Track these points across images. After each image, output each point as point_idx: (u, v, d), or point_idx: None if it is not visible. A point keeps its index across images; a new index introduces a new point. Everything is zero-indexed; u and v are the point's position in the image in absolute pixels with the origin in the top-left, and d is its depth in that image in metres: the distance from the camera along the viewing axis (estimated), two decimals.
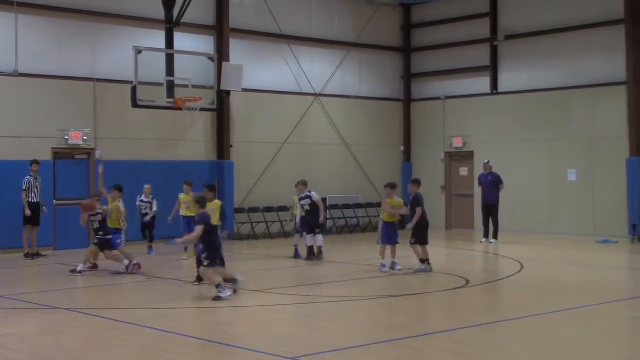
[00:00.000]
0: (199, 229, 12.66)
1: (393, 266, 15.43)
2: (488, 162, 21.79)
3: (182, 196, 18.35)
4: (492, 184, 21.45)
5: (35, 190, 18.20)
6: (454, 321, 11.04)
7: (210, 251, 12.70)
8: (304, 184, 17.75)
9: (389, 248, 15.53)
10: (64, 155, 20.14)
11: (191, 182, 18.44)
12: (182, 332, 10.13)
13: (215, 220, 13.98)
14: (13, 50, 19.17)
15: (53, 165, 19.80)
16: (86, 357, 9.12)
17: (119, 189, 16.26)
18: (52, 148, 19.83)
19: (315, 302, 12.65)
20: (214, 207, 14.66)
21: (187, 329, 10.40)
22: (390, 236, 15.48)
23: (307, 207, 17.51)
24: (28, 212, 17.91)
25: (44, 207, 18.45)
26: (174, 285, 14.31)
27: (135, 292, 14.07)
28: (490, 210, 21.39)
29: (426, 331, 10.27)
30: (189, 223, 17.43)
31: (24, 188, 18.05)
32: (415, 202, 15.42)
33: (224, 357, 9.13)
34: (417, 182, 15.86)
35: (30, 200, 18.09)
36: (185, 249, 17.92)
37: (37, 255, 18.14)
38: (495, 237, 21.20)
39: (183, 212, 18.21)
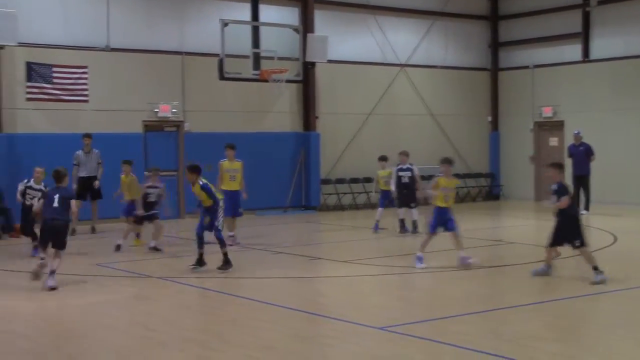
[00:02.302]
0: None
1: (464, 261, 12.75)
2: (578, 132, 21.22)
3: (226, 163, 15.52)
4: (583, 155, 20.92)
5: (89, 165, 17.63)
6: (545, 293, 10.87)
7: None
8: (406, 154, 17.10)
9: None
10: (154, 127, 20.58)
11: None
12: (272, 301, 10.25)
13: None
14: (105, 26, 19.61)
15: (144, 137, 20.26)
16: (177, 322, 9.33)
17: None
18: (143, 121, 20.27)
19: (405, 273, 12.61)
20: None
21: (277, 298, 10.51)
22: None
23: (406, 180, 17.06)
24: (74, 187, 16.88)
25: (95, 182, 17.55)
26: (268, 255, 14.49)
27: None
28: (582, 181, 20.87)
29: (516, 303, 10.13)
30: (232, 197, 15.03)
31: (74, 163, 17.53)
32: (563, 190, 11.68)
33: (312, 326, 9.21)
34: (561, 167, 12.10)
35: (80, 175, 17.48)
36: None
37: (93, 230, 17.59)
38: (586, 208, 20.69)
39: (225, 184, 15.27)
